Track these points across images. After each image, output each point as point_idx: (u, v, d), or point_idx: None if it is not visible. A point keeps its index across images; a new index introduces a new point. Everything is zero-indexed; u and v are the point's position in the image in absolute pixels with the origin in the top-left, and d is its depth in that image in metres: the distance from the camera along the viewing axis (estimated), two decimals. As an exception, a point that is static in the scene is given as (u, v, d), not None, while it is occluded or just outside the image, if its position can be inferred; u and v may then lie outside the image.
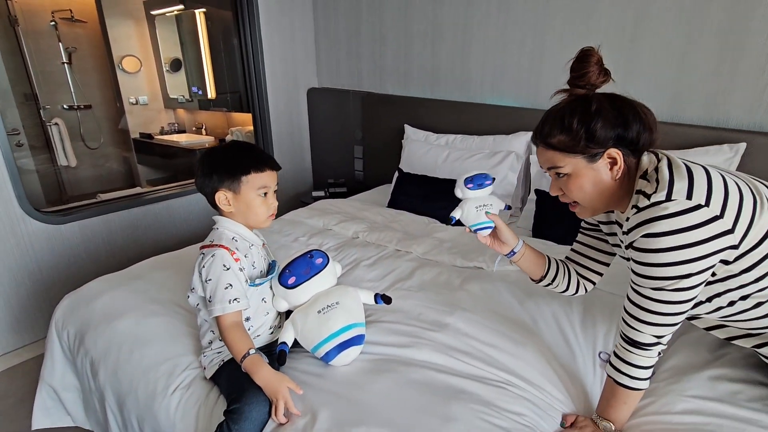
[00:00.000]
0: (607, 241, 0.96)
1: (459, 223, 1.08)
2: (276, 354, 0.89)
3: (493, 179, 1.11)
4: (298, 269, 0.98)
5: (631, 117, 0.74)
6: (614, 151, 0.75)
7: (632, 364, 0.79)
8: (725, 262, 0.72)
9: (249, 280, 0.93)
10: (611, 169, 0.77)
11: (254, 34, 2.47)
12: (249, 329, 0.94)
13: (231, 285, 0.87)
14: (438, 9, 2.17)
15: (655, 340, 0.77)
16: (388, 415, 0.77)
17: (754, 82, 1.49)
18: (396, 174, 2.14)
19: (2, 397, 1.61)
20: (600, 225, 0.96)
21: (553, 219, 1.61)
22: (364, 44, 2.54)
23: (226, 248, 0.89)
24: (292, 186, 2.93)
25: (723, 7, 1.47)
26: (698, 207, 0.68)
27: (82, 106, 3.89)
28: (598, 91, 0.78)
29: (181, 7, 3.39)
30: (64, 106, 3.81)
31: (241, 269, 0.91)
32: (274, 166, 0.96)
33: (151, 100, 4.08)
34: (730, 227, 0.68)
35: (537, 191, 1.74)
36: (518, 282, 1.26)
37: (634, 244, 0.73)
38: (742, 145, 1.47)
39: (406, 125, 2.36)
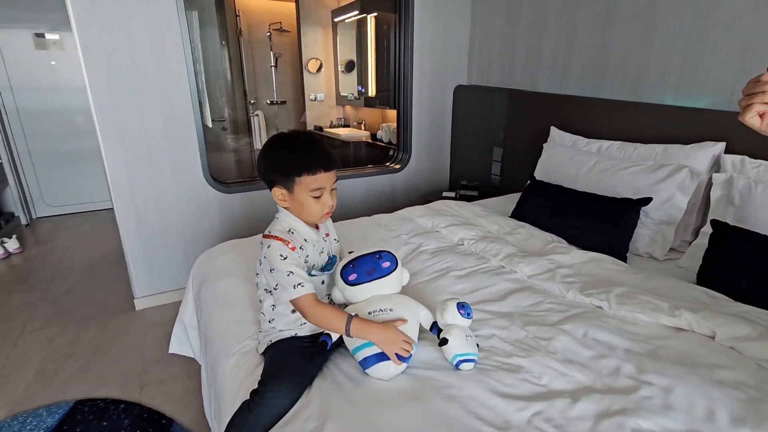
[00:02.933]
0: None
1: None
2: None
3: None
4: (363, 267, 0.93)
5: None
6: None
7: None
8: None
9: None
10: None
11: (407, 33, 2.51)
12: (298, 318, 0.93)
13: (292, 272, 0.87)
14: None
15: None
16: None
17: None
18: (528, 181, 1.87)
19: (166, 323, 2.03)
20: None
21: (733, 263, 1.14)
22: (521, 35, 2.31)
23: (280, 239, 0.90)
24: (426, 184, 2.90)
25: None
26: None
27: (279, 102, 4.70)
28: None
29: (356, 12, 3.72)
30: (267, 102, 4.67)
31: (300, 257, 0.91)
32: (329, 167, 0.92)
33: (326, 97, 4.65)
34: None
35: (714, 222, 1.25)
36: (645, 335, 0.94)
37: None
38: None
39: (552, 127, 2.05)
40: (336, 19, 4.14)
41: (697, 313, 0.95)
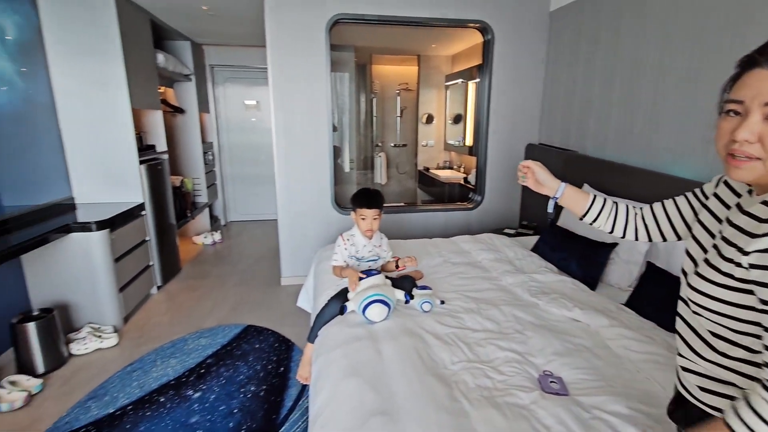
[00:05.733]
0: (695, 218, 0.80)
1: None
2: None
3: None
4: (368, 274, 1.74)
5: None
6: None
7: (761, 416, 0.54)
8: None
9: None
10: None
11: (486, 101, 3.31)
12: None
13: (336, 253, 1.85)
14: (635, 75, 2.32)
15: None
16: (367, 361, 1.49)
17: None
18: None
19: (298, 293, 3.16)
20: (714, 198, 0.77)
21: (649, 292, 1.64)
22: (574, 109, 2.89)
23: (342, 237, 1.87)
24: (497, 221, 3.56)
25: None
26: None
27: (401, 144, 5.85)
28: None
29: (462, 80, 4.62)
30: (392, 144, 5.85)
31: (346, 249, 1.85)
32: (370, 206, 1.82)
33: (436, 143, 5.62)
34: None
35: (648, 263, 1.74)
36: (547, 318, 1.58)
37: None
38: None
39: (585, 184, 2.58)
40: (447, 83, 5.12)
41: (583, 311, 1.53)
